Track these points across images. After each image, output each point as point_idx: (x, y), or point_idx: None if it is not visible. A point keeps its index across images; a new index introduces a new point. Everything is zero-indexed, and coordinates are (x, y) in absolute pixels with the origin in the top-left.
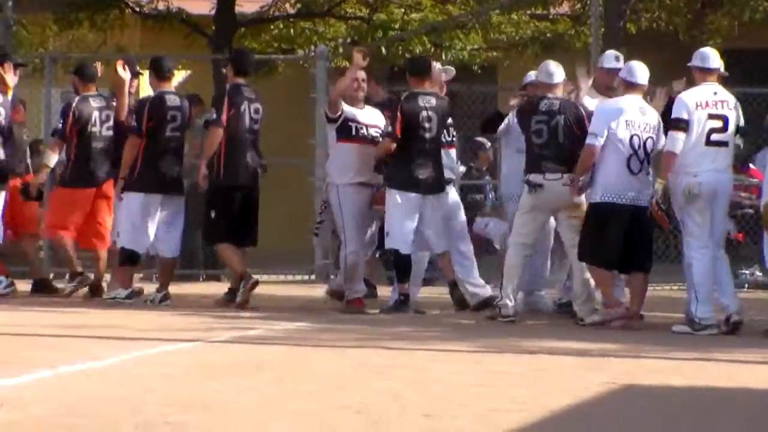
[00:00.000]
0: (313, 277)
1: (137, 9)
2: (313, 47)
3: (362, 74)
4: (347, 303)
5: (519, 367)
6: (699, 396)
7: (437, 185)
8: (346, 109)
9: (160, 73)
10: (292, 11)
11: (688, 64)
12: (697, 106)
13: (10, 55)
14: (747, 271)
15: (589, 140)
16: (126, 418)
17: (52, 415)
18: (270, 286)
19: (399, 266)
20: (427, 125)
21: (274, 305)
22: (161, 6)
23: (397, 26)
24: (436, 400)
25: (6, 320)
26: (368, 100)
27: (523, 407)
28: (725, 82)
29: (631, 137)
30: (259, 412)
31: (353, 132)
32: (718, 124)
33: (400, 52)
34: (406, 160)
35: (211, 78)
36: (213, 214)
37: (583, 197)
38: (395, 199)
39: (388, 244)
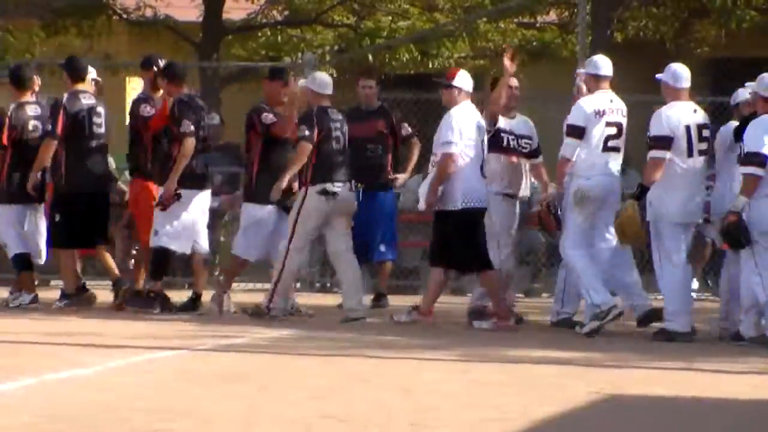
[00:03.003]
0: (298, 285)
1: (124, 16)
2: (300, 55)
3: (515, 81)
4: (474, 310)
5: (504, 376)
6: (683, 405)
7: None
8: (501, 120)
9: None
10: (279, 19)
11: (581, 71)
12: (595, 114)
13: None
14: None
15: (444, 149)
16: (112, 425)
17: (38, 422)
18: (253, 294)
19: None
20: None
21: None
22: (148, 13)
23: (384, 34)
24: (421, 409)
25: None
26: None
27: (508, 416)
28: (715, 91)
29: (482, 141)
30: (244, 421)
31: (505, 143)
32: (614, 131)
33: (387, 60)
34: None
35: (198, 85)
36: (57, 218)
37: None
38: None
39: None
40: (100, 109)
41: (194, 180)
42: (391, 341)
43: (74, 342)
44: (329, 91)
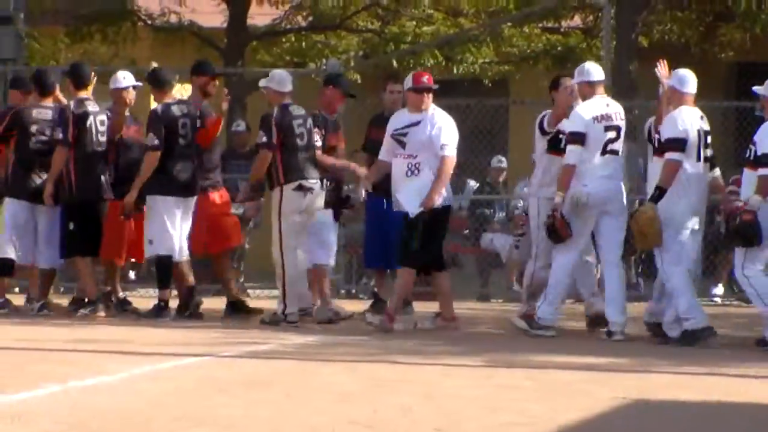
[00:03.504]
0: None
1: (149, 22)
2: (324, 60)
3: (570, 81)
4: (525, 316)
5: (529, 381)
6: (709, 410)
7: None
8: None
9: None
10: (303, 24)
11: (575, 81)
12: (594, 120)
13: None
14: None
15: (449, 152)
16: None
17: (62, 429)
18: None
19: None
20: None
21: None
22: (173, 19)
23: (408, 39)
24: (446, 414)
25: (17, 335)
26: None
27: (533, 422)
28: (740, 95)
29: None
30: (269, 427)
31: (563, 144)
32: (613, 134)
33: (411, 65)
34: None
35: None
36: (71, 227)
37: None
38: None
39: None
40: (103, 117)
41: (177, 188)
42: (416, 347)
43: (99, 349)
44: (290, 88)
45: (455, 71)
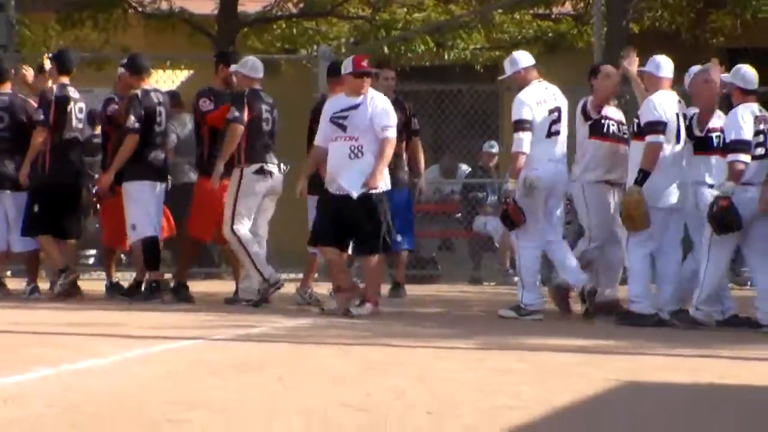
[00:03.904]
0: (316, 275)
1: (140, 9)
2: (315, 47)
3: (611, 68)
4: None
5: (522, 364)
6: (702, 392)
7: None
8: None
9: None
10: (294, 11)
11: (513, 72)
12: (537, 104)
13: None
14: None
15: (390, 134)
16: (129, 415)
17: (55, 412)
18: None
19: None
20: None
21: (279, 303)
22: (164, 6)
23: (399, 26)
24: (439, 397)
25: (9, 318)
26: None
27: (526, 404)
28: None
29: None
30: (262, 410)
31: (605, 129)
32: (555, 116)
33: (402, 52)
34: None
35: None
36: (36, 209)
37: None
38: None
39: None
40: (82, 105)
41: (151, 172)
42: (408, 330)
43: (93, 332)
44: (260, 75)
45: (446, 57)
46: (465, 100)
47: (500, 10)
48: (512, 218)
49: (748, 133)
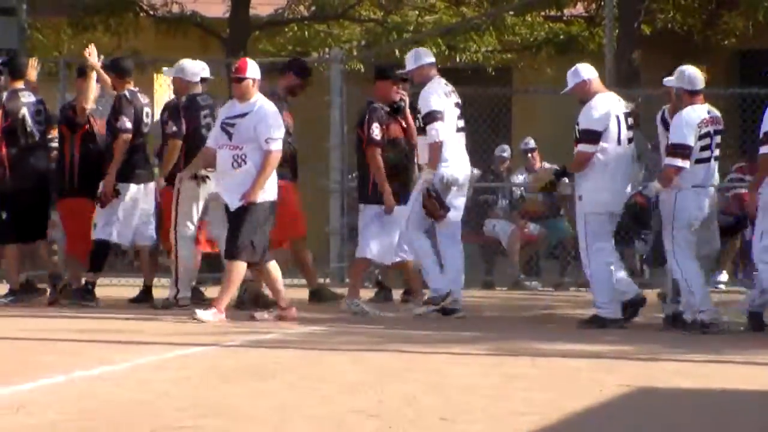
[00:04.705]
0: (328, 280)
1: (151, 12)
2: (327, 50)
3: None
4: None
5: (535, 370)
6: (714, 398)
7: None
8: None
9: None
10: (306, 14)
11: (416, 67)
12: (446, 95)
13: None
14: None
15: (276, 146)
16: (142, 422)
17: (67, 419)
18: (287, 290)
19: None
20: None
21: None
22: (175, 9)
23: (411, 29)
24: (451, 403)
25: (21, 326)
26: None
27: (539, 410)
28: (743, 82)
29: None
30: (274, 416)
31: None
32: (459, 112)
33: None
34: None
35: (225, 81)
36: (3, 215)
37: None
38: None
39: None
40: (41, 108)
41: (132, 174)
42: (420, 336)
43: (104, 339)
44: (197, 79)
45: (458, 60)
46: (477, 103)
47: (511, 12)
48: (431, 210)
49: (690, 138)
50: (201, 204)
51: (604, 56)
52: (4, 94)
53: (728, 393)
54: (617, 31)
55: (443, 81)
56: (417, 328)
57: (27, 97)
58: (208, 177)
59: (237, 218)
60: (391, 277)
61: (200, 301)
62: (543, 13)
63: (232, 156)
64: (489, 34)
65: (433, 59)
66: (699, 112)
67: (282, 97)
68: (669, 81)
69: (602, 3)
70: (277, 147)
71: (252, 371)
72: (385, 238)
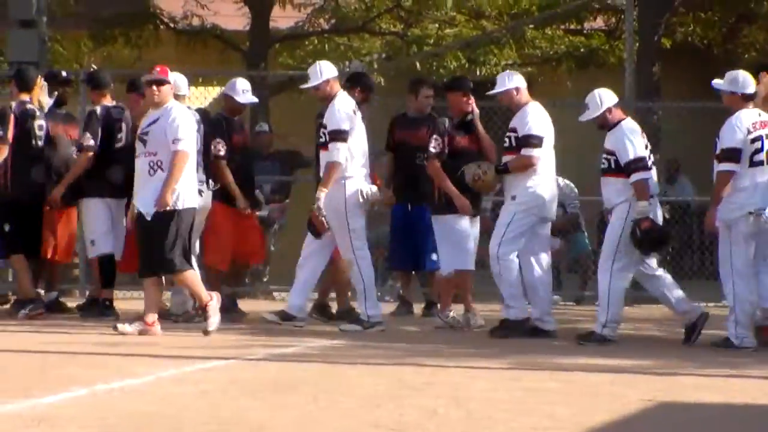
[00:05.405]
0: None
1: (172, 25)
2: (347, 63)
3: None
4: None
5: (556, 384)
6: (735, 413)
7: None
8: None
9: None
10: (326, 27)
11: (323, 81)
12: (354, 112)
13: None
14: None
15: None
16: None
17: None
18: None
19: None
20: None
21: (310, 321)
22: (196, 22)
23: (431, 42)
24: (473, 417)
25: (42, 339)
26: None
27: (560, 424)
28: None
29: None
30: (295, 430)
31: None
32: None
33: (434, 68)
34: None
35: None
36: (6, 228)
37: None
38: None
39: None
40: (42, 122)
41: (109, 189)
42: (441, 350)
43: (126, 352)
44: (186, 91)
45: (478, 73)
46: (497, 117)
47: (531, 26)
48: (317, 227)
49: (741, 142)
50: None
51: (624, 70)
52: (13, 105)
53: (750, 407)
54: (637, 44)
55: (348, 96)
56: (438, 342)
57: (34, 110)
58: (200, 191)
59: (147, 230)
60: (413, 291)
61: (235, 312)
62: (563, 27)
63: (148, 163)
64: (509, 48)
65: (334, 74)
66: (751, 115)
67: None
68: (719, 84)
69: (622, 17)
70: (183, 147)
71: (273, 385)
72: (463, 246)
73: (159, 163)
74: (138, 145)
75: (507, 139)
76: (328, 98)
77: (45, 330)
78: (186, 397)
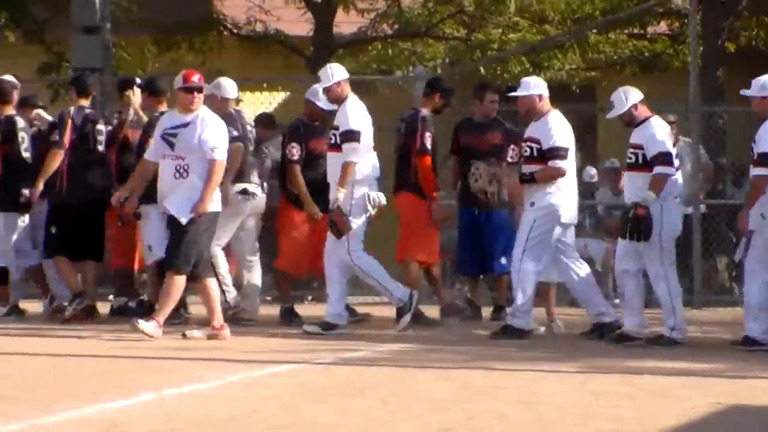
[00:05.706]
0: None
1: (235, 31)
2: (411, 68)
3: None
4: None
5: (624, 387)
6: None
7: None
8: None
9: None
10: (390, 32)
11: (333, 83)
12: (365, 115)
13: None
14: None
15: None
16: None
17: None
18: (372, 308)
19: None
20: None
21: (378, 326)
22: (259, 28)
23: (495, 46)
24: (542, 421)
25: (108, 344)
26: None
27: (629, 428)
28: None
29: None
30: None
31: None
32: (373, 129)
33: (498, 73)
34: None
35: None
36: (53, 230)
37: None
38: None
39: None
40: (101, 127)
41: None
42: (510, 353)
43: (193, 357)
44: (235, 95)
45: (542, 77)
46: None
47: (595, 30)
48: (339, 227)
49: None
50: (240, 219)
51: (689, 74)
52: (71, 110)
53: None
54: (701, 48)
55: (357, 98)
56: (506, 346)
57: (93, 115)
58: (254, 193)
59: (182, 230)
60: (481, 295)
61: (294, 317)
62: (626, 31)
63: (174, 167)
64: (573, 52)
65: (345, 75)
66: None
67: (427, 118)
68: (748, 92)
69: (686, 21)
70: (220, 156)
71: (341, 389)
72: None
73: (186, 167)
74: (162, 145)
75: (528, 149)
76: (339, 100)
77: (113, 335)
78: (254, 401)
